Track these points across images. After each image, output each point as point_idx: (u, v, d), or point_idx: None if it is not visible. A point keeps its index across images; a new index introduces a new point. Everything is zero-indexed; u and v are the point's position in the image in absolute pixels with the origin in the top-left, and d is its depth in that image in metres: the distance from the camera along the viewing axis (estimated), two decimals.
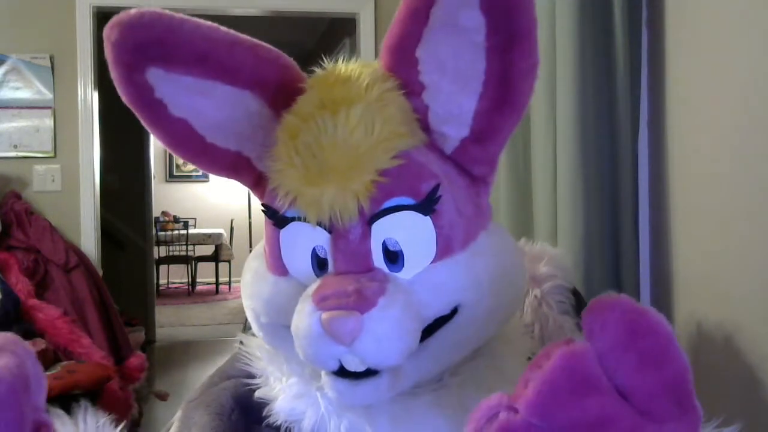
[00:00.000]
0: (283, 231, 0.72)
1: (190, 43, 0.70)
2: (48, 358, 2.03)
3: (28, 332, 2.15)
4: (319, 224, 0.69)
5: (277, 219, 0.72)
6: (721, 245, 1.60)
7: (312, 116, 0.70)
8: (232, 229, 7.78)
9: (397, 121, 0.70)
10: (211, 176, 8.24)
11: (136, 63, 0.69)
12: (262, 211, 0.75)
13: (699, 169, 1.69)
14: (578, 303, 1.17)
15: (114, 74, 0.70)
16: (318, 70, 0.76)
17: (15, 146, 2.75)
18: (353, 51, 3.13)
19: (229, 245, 7.55)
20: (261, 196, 0.80)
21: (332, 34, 3.99)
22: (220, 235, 7.43)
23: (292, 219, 0.71)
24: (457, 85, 0.70)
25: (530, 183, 2.03)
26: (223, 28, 0.72)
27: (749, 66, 1.49)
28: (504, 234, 0.80)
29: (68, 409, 1.99)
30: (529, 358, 0.80)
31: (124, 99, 0.71)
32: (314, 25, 4.27)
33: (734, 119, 1.55)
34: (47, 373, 1.91)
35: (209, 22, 0.71)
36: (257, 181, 0.79)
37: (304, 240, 0.71)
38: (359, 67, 0.74)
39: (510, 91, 0.68)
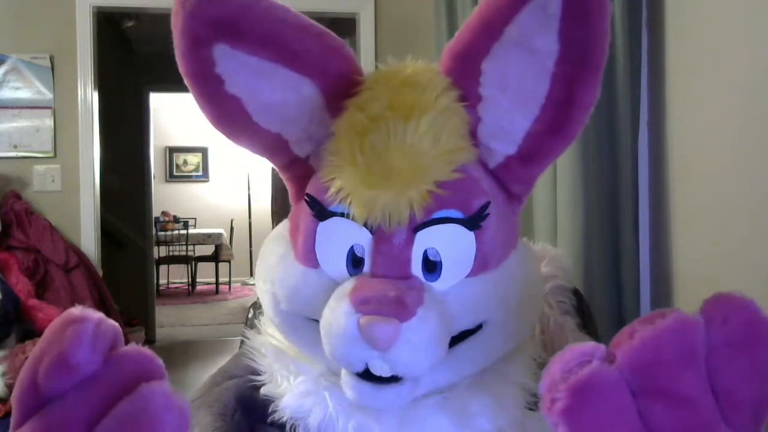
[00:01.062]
0: (322, 224, 0.71)
1: (263, 25, 0.68)
2: None
3: (28, 332, 2.15)
4: (364, 224, 0.69)
5: (320, 211, 0.71)
6: (721, 245, 1.60)
7: (382, 117, 0.69)
8: (232, 229, 7.78)
9: (460, 134, 0.70)
10: (211, 176, 8.28)
11: (205, 37, 0.67)
12: (306, 201, 0.74)
13: (699, 169, 1.69)
14: (579, 303, 1.17)
15: (179, 44, 0.68)
16: (380, 67, 0.75)
17: (15, 146, 2.75)
18: (353, 51, 3.13)
19: (229, 245, 7.55)
20: (289, 178, 0.80)
21: None
22: (220, 235, 7.43)
23: (337, 214, 0.70)
24: (515, 104, 0.69)
25: None
26: (294, 11, 0.71)
27: (749, 66, 1.49)
28: (529, 251, 0.81)
29: None
30: (535, 360, 0.80)
31: (182, 69, 0.70)
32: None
33: (734, 119, 1.55)
34: None
35: (281, 3, 0.70)
36: (289, 164, 0.79)
37: (343, 237, 0.70)
38: (425, 71, 0.73)
39: (566, 120, 0.68)
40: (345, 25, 3.34)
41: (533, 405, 0.77)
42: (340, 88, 0.73)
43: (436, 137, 0.68)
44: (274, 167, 0.81)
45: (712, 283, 1.63)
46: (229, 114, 0.73)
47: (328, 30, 0.73)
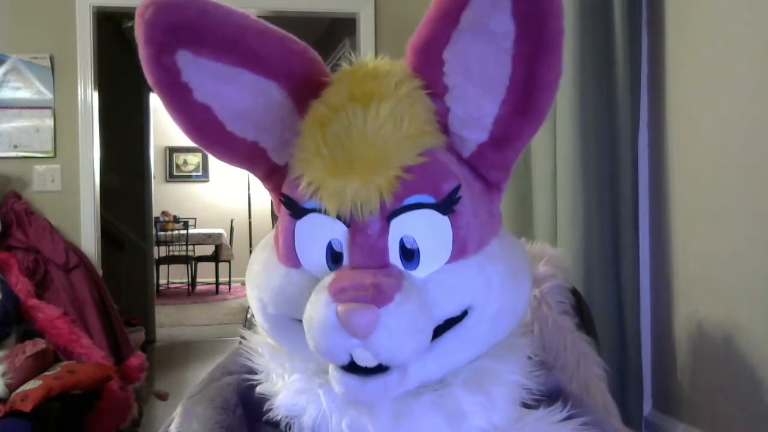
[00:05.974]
0: (299, 222, 0.72)
1: (223, 29, 0.70)
2: (48, 358, 2.03)
3: (28, 332, 2.15)
4: (338, 217, 0.69)
5: (296, 209, 0.72)
6: (721, 245, 1.60)
7: (343, 107, 0.70)
8: (232, 229, 7.78)
9: (424, 119, 0.71)
10: (211, 176, 8.27)
11: (166, 44, 0.69)
12: (281, 201, 0.74)
13: (699, 168, 1.69)
14: (578, 303, 1.17)
15: (142, 54, 0.70)
16: (344, 65, 0.76)
17: (15, 146, 2.75)
18: (353, 51, 3.13)
19: (229, 245, 7.54)
20: (272, 189, 0.80)
21: (332, 34, 3.99)
22: (220, 235, 7.43)
23: (311, 210, 0.71)
24: (480, 89, 0.70)
25: (530, 183, 2.03)
26: (254, 17, 0.72)
27: (749, 66, 1.49)
28: (514, 240, 0.81)
29: (68, 409, 1.96)
30: (531, 358, 0.80)
31: (149, 80, 0.71)
32: (314, 25, 4.26)
33: (734, 119, 1.55)
34: (47, 373, 1.91)
35: (240, 10, 0.71)
36: (270, 173, 0.79)
37: (320, 232, 0.71)
38: (387, 64, 0.74)
39: (532, 99, 0.69)
40: (345, 25, 3.34)
41: (530, 402, 0.77)
42: (308, 90, 0.74)
43: (397, 123, 0.68)
44: (257, 178, 0.82)
45: (712, 283, 1.63)
46: (200, 123, 0.74)
47: (289, 34, 0.74)
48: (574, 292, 1.16)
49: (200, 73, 0.71)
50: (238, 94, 0.73)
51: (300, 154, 0.72)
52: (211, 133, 0.75)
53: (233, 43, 0.70)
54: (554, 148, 1.90)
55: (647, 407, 1.91)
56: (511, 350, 0.78)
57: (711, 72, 1.63)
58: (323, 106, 0.72)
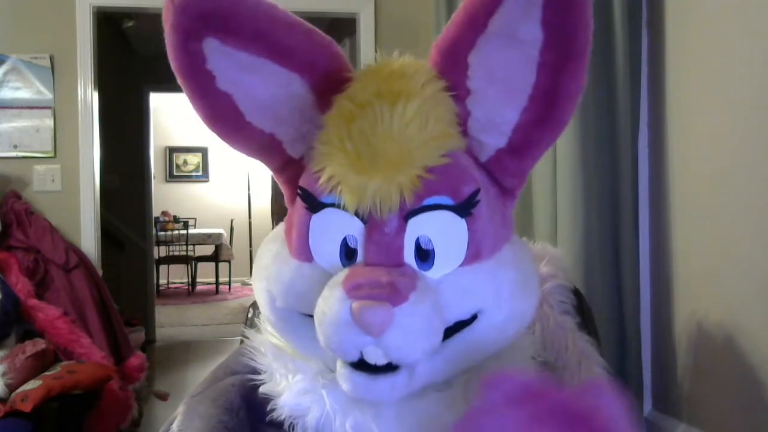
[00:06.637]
0: (315, 216, 0.72)
1: (251, 19, 0.70)
2: (48, 358, 2.03)
3: (28, 332, 2.15)
4: (355, 214, 0.69)
5: (312, 203, 0.72)
6: (722, 245, 1.60)
7: (369, 104, 0.70)
8: (232, 229, 7.78)
9: (447, 121, 0.71)
10: (211, 176, 8.27)
11: (194, 31, 0.69)
12: (298, 194, 0.74)
13: (699, 169, 1.69)
14: (579, 303, 1.17)
15: (169, 39, 0.70)
16: (369, 63, 0.76)
17: (15, 146, 2.75)
18: (353, 51, 3.13)
19: (229, 245, 7.54)
20: (284, 181, 0.80)
21: (332, 34, 3.98)
22: (220, 235, 7.42)
23: (328, 205, 0.70)
24: (503, 95, 0.70)
25: (530, 182, 2.03)
26: (281, 8, 0.72)
27: (749, 66, 1.49)
28: (524, 246, 0.82)
29: (68, 409, 1.96)
30: (534, 359, 0.80)
31: (173, 65, 0.71)
32: (314, 25, 4.26)
33: (734, 119, 1.55)
34: (47, 373, 1.91)
35: (269, 1, 0.71)
36: (283, 166, 0.79)
37: (336, 228, 0.71)
38: (413, 63, 0.74)
39: (554, 109, 0.69)
40: (345, 25, 3.34)
41: None
42: (330, 85, 0.74)
43: (422, 123, 0.68)
44: (269, 170, 0.81)
45: (712, 283, 1.63)
46: (221, 112, 0.73)
47: (315, 28, 0.74)
48: (576, 292, 1.16)
49: (225, 61, 0.71)
50: (261, 84, 0.73)
51: (322, 148, 0.71)
52: (229, 122, 0.74)
53: (261, 34, 0.70)
54: (554, 148, 1.90)
55: (647, 407, 1.91)
56: (514, 350, 0.78)
57: (711, 72, 1.62)
58: (349, 101, 0.71)
